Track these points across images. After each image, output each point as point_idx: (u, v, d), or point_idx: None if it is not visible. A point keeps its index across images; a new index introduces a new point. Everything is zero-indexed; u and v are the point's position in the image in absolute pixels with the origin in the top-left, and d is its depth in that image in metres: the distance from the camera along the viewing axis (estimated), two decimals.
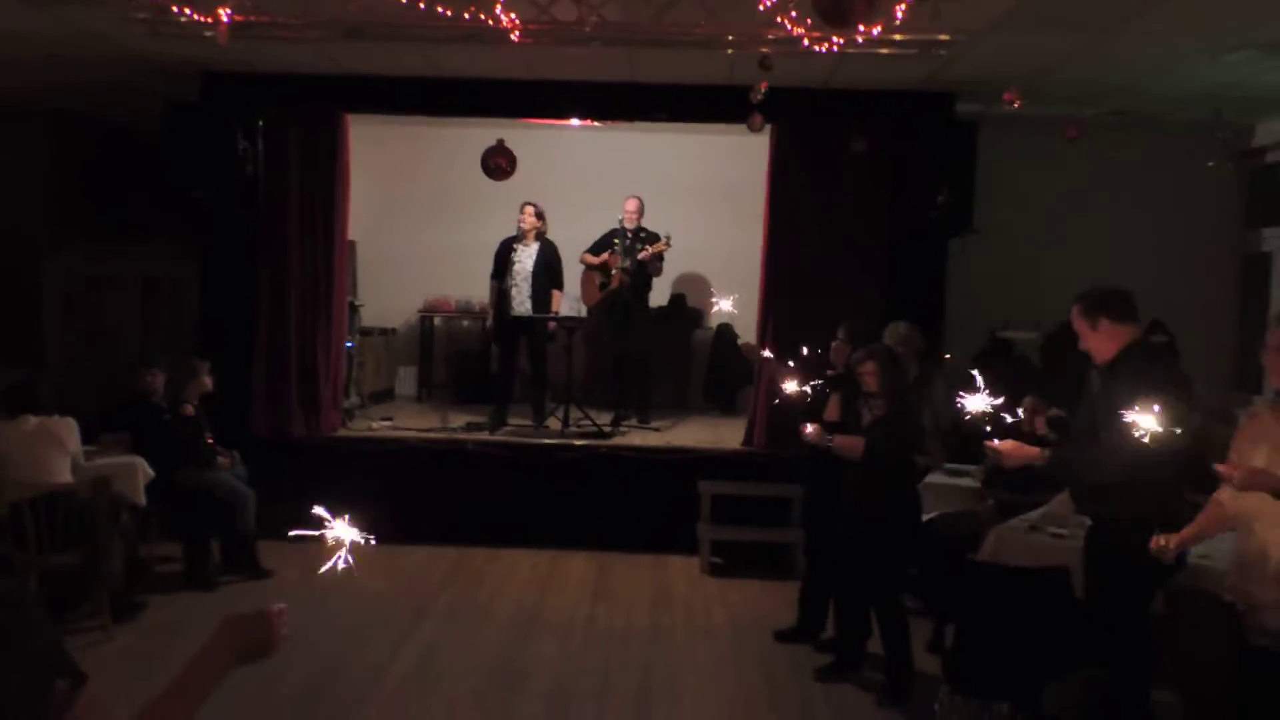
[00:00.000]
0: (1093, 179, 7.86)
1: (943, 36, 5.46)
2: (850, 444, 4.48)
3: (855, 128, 6.89)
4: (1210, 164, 7.37)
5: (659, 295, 8.33)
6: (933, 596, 5.10)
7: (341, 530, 2.13)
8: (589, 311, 7.63)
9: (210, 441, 5.87)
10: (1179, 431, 2.96)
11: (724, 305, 6.35)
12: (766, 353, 5.89)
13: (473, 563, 6.32)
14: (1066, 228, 7.74)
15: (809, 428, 4.61)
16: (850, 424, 4.62)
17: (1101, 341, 3.41)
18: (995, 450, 3.54)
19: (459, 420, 7.50)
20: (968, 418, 3.81)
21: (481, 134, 8.74)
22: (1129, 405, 3.04)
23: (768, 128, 6.71)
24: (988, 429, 3.77)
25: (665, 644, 5.07)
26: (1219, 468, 2.97)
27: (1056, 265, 7.21)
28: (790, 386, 4.85)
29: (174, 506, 5.72)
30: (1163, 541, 3.13)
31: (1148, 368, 3.32)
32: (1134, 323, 3.43)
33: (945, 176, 6.93)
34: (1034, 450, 3.54)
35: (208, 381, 5.90)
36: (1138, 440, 2.93)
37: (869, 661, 4.62)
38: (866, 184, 6.95)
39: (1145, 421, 2.90)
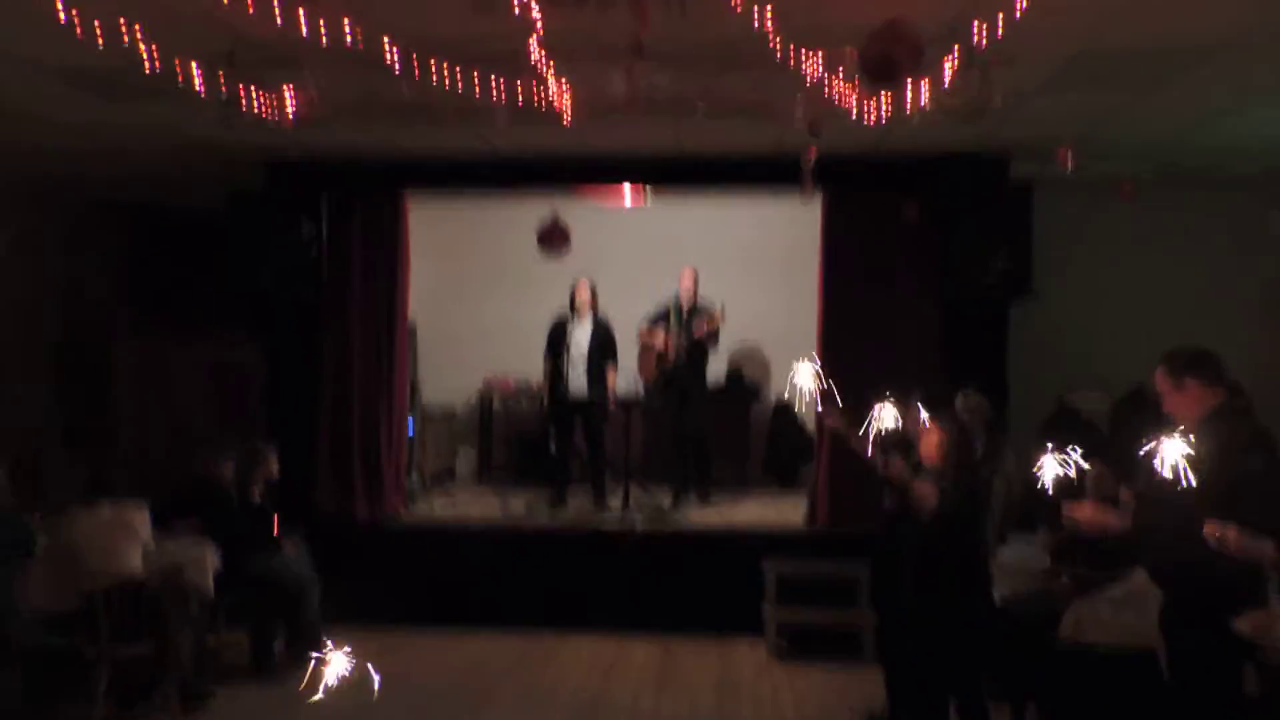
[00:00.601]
0: (1153, 238, 7.68)
1: (991, 99, 5.44)
2: (927, 491, 4.20)
3: (908, 193, 6.86)
4: (1271, 214, 7.20)
5: (716, 368, 8.27)
6: (1010, 680, 4.89)
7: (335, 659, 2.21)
8: (646, 389, 7.61)
9: (275, 530, 5.93)
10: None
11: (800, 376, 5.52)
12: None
13: (535, 649, 6.23)
14: (1128, 289, 7.56)
15: (893, 462, 4.41)
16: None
17: (1188, 404, 3.30)
18: (1073, 516, 3.41)
19: (519, 500, 7.48)
20: (1041, 485, 3.70)
21: (536, 210, 8.86)
22: (1215, 466, 2.97)
23: (819, 195, 6.71)
24: (1062, 497, 3.65)
25: None
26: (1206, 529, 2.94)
27: (1120, 327, 7.04)
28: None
29: (241, 595, 5.76)
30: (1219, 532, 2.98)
31: (1236, 428, 3.22)
32: (1221, 385, 3.32)
33: (1002, 240, 6.86)
34: (1113, 516, 3.41)
35: (274, 467, 5.98)
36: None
37: None
38: (921, 250, 6.89)
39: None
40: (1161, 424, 3.47)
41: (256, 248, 6.90)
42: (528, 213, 8.84)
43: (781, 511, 7.16)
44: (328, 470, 6.98)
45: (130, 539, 5.12)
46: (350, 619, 6.48)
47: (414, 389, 8.21)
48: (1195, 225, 7.64)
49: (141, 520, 5.18)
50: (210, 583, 5.43)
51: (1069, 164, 5.72)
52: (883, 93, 4.82)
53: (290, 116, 5.03)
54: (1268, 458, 3.21)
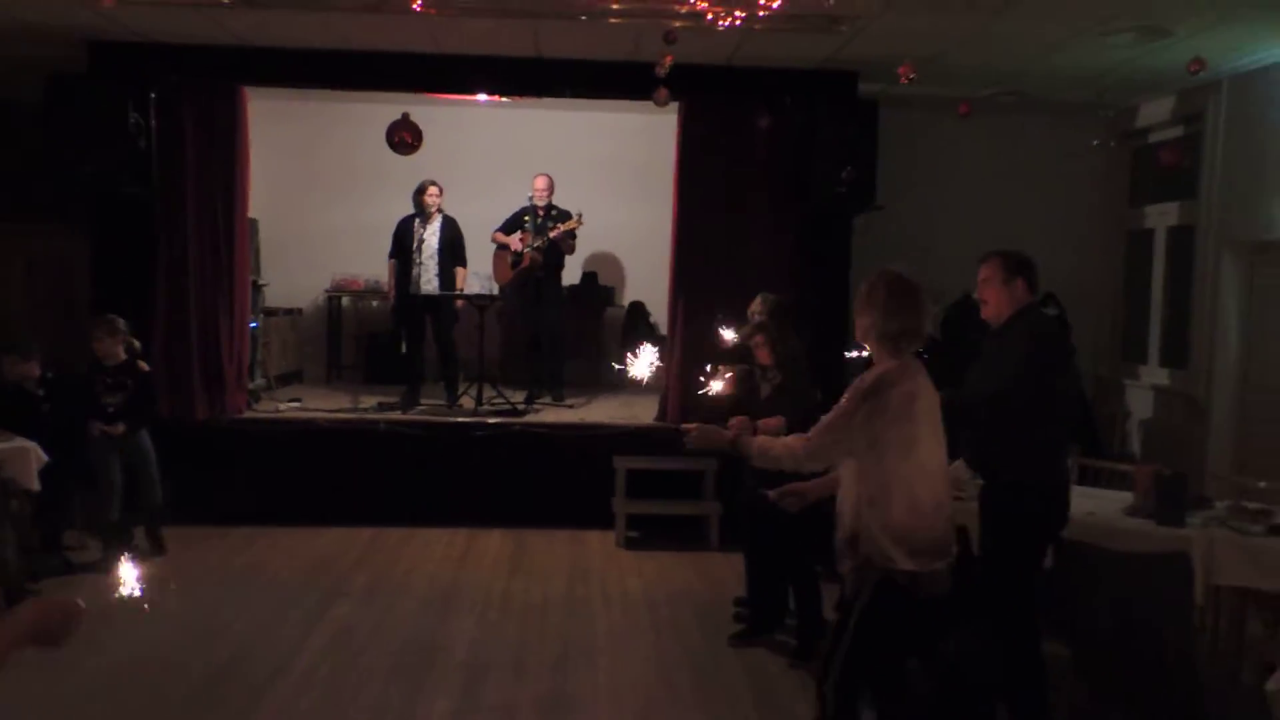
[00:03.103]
0: (988, 158, 8.12)
1: (840, 14, 5.60)
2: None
3: (761, 105, 7.00)
4: (1095, 143, 7.71)
5: (571, 274, 8.33)
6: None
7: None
8: (501, 290, 7.60)
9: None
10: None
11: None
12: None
13: (387, 543, 6.26)
14: (964, 205, 7.99)
15: (734, 421, 4.58)
16: (748, 400, 4.69)
17: (1006, 300, 3.60)
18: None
19: (369, 401, 7.39)
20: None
21: (386, 110, 8.60)
22: (1015, 355, 3.31)
23: (675, 104, 6.77)
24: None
25: (582, 615, 5.12)
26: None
27: (955, 241, 7.43)
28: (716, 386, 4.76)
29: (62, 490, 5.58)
30: (773, 495, 3.38)
31: (1040, 327, 3.59)
32: (1036, 293, 3.67)
33: (849, 154, 7.10)
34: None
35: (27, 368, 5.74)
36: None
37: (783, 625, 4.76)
38: (773, 161, 7.08)
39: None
40: (984, 328, 3.81)
41: (77, 135, 6.37)
42: (378, 112, 8.59)
43: (634, 412, 7.34)
44: (162, 369, 6.68)
45: None
46: (199, 518, 6.37)
47: (257, 289, 7.92)
48: (1030, 147, 8.10)
49: None
50: (33, 478, 5.19)
51: (907, 79, 5.95)
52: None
53: None
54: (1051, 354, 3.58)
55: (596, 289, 8.92)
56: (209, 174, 6.83)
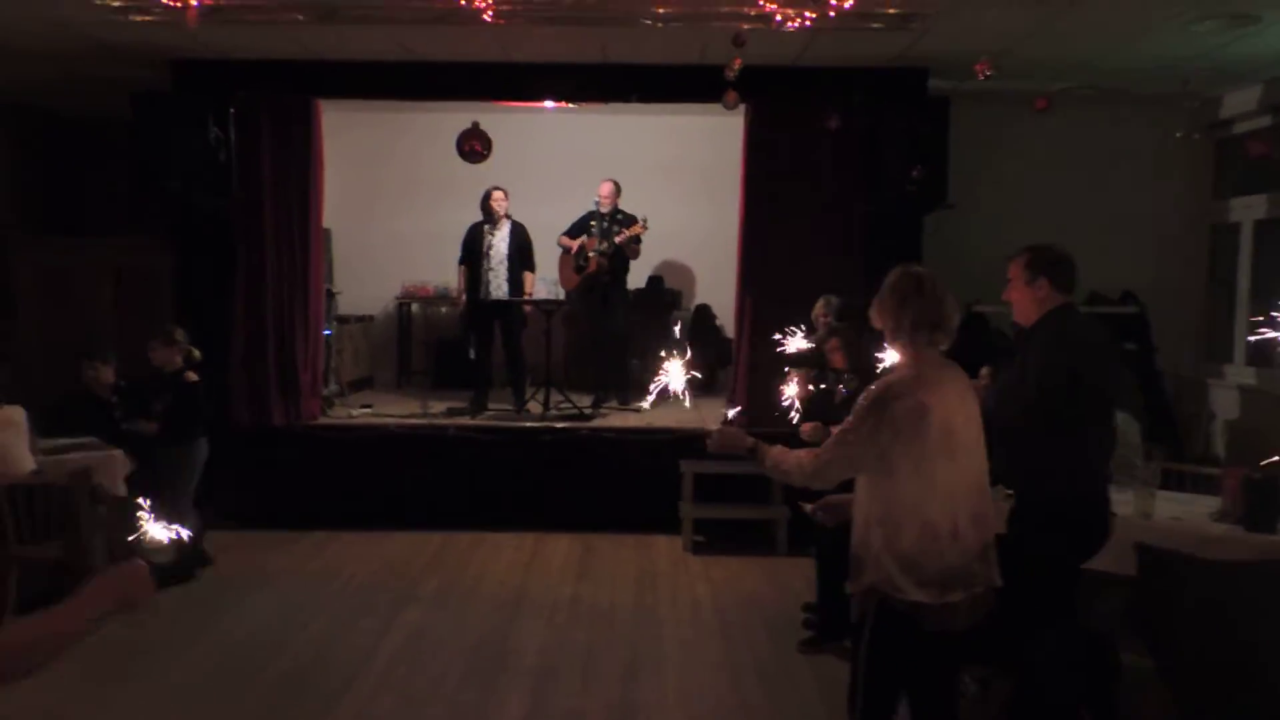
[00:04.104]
0: (1064, 154, 7.91)
1: (911, 10, 5.51)
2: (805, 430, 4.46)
3: (830, 105, 6.92)
4: (1178, 135, 7.45)
5: (637, 278, 8.34)
6: None
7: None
8: (567, 295, 7.64)
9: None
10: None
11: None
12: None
13: (457, 547, 6.33)
14: (1041, 202, 7.78)
15: (806, 426, 4.51)
16: (820, 403, 4.64)
17: (1030, 301, 3.36)
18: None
19: (439, 406, 7.49)
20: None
21: (454, 119, 8.73)
22: (1036, 364, 3.16)
23: (742, 107, 6.73)
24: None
25: (649, 621, 5.11)
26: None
27: (1031, 238, 7.24)
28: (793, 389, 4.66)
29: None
30: (809, 509, 3.27)
31: (1069, 331, 3.31)
32: (1068, 294, 3.39)
33: (919, 152, 6.98)
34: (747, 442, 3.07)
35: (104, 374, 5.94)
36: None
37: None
38: (842, 161, 6.99)
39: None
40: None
41: (163, 150, 6.62)
42: (447, 121, 8.73)
43: (701, 415, 7.31)
44: (242, 377, 6.88)
45: (16, 437, 5.00)
46: (275, 523, 6.54)
47: (330, 297, 8.10)
48: (1108, 140, 7.87)
49: (20, 418, 5.05)
50: (120, 483, 5.37)
51: (985, 75, 5.83)
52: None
53: (194, 11, 4.82)
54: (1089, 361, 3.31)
55: (663, 292, 8.92)
56: (285, 185, 7.01)
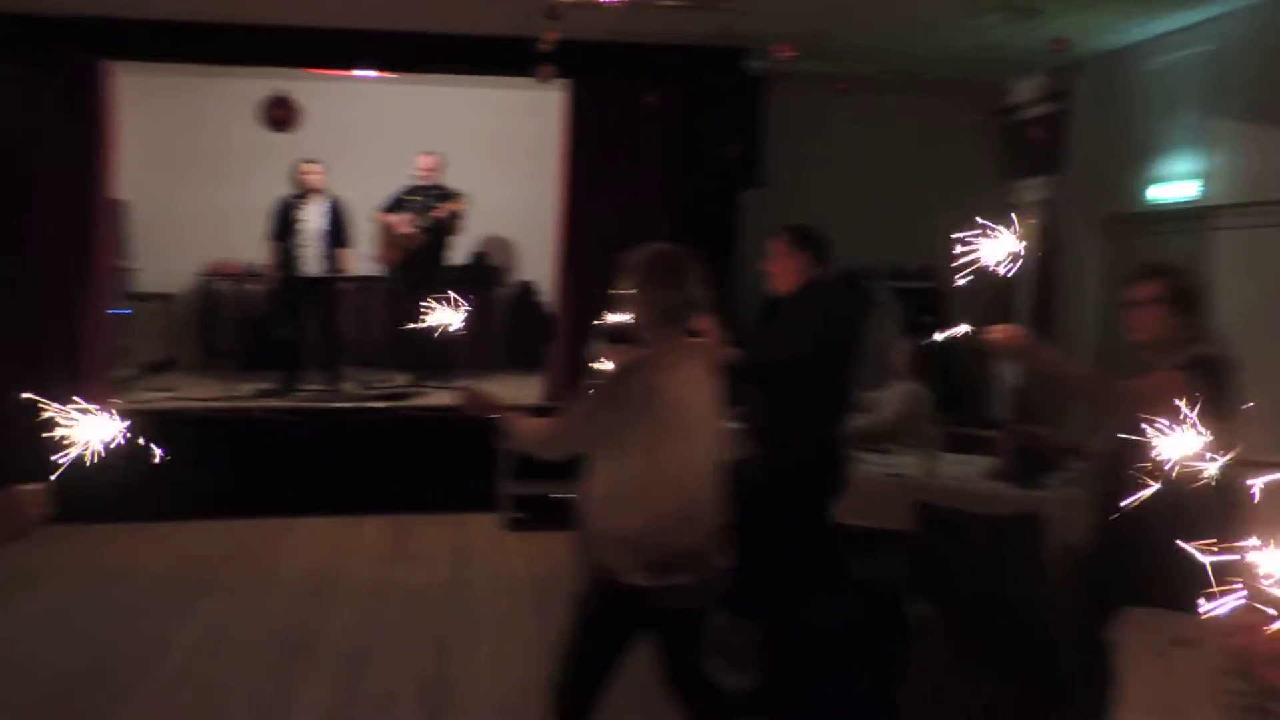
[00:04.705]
0: (875, 136, 8.24)
1: None
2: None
3: (649, 82, 6.99)
4: (972, 122, 7.94)
5: (459, 254, 8.20)
6: None
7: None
8: (385, 272, 7.44)
9: None
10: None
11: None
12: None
13: (263, 534, 6.07)
14: (851, 181, 8.10)
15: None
16: None
17: (793, 271, 3.68)
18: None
19: (247, 388, 7.16)
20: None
21: (263, 86, 8.33)
22: (802, 325, 3.42)
23: (563, 82, 6.71)
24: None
25: (464, 599, 5.07)
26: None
27: (841, 217, 7.55)
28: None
29: None
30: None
31: (827, 300, 3.71)
32: (823, 264, 3.75)
33: (737, 131, 7.16)
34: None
35: None
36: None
37: None
38: (661, 138, 7.08)
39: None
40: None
41: None
42: (257, 89, 8.31)
43: (522, 393, 7.28)
44: (16, 358, 6.34)
45: None
46: (57, 517, 6.07)
47: (124, 273, 7.59)
48: (911, 124, 8.27)
49: None
50: None
51: (785, 57, 6.01)
52: None
53: None
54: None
55: (485, 269, 8.81)
56: (69, 153, 6.49)
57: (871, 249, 7.70)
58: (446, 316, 3.20)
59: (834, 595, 3.15)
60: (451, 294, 3.17)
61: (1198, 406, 2.05)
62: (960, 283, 2.48)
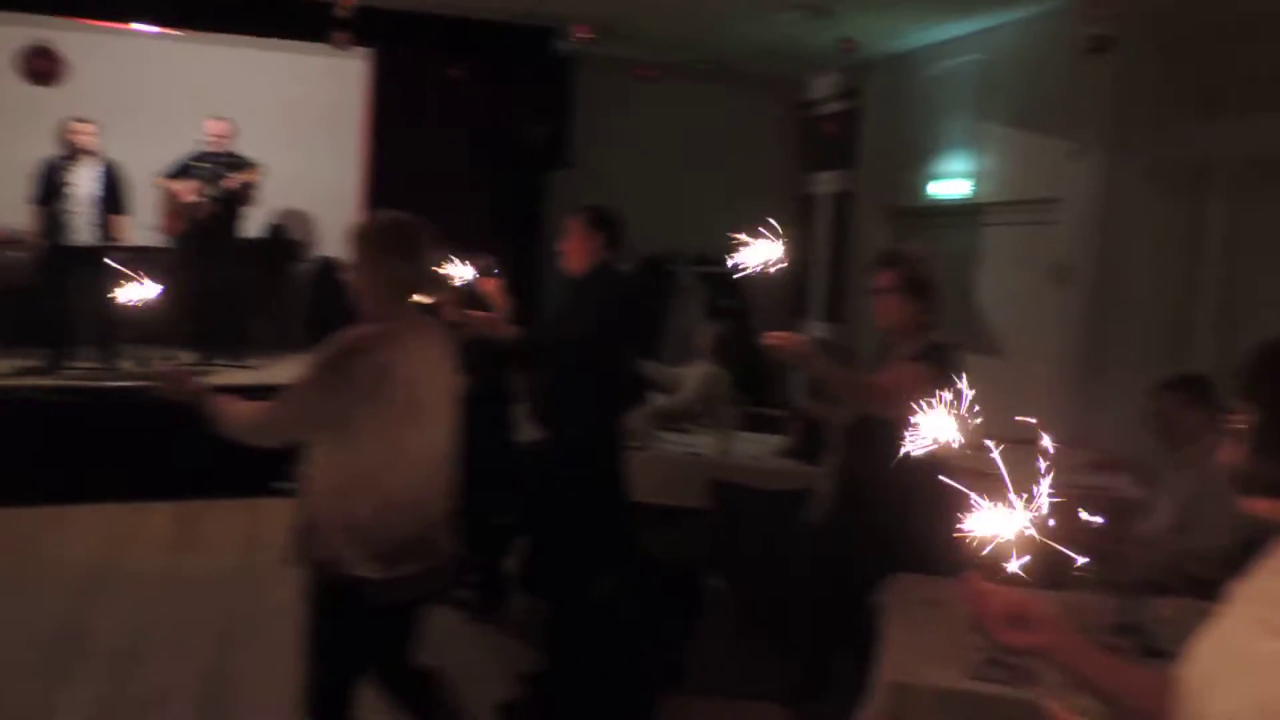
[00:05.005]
0: (681, 123, 8.42)
1: None
2: None
3: (456, 56, 6.87)
4: (774, 113, 8.27)
5: (254, 226, 7.79)
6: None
7: None
8: (169, 242, 6.96)
9: None
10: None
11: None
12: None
13: (35, 523, 5.58)
14: (658, 168, 8.26)
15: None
16: None
17: (586, 252, 3.71)
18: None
19: (7, 366, 6.54)
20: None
21: (20, 34, 7.59)
22: (591, 307, 3.46)
23: (365, 50, 6.49)
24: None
25: (252, 588, 4.84)
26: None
27: (648, 202, 7.70)
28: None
29: None
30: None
31: (617, 284, 3.77)
32: (616, 251, 3.78)
33: (545, 112, 7.15)
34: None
35: None
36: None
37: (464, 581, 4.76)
38: (469, 115, 7.00)
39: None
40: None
41: None
42: (16, 37, 7.55)
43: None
44: None
45: None
46: None
47: None
48: (716, 113, 8.50)
49: None
50: None
51: (584, 39, 6.05)
52: None
53: None
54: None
55: (282, 243, 8.41)
56: None
57: (677, 234, 7.89)
58: (137, 291, 3.03)
59: (625, 571, 3.23)
60: (132, 268, 3.01)
61: (937, 391, 2.25)
62: (739, 277, 2.59)
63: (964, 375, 2.70)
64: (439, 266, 2.62)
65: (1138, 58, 5.16)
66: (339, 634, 2.52)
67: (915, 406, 1.61)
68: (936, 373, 2.74)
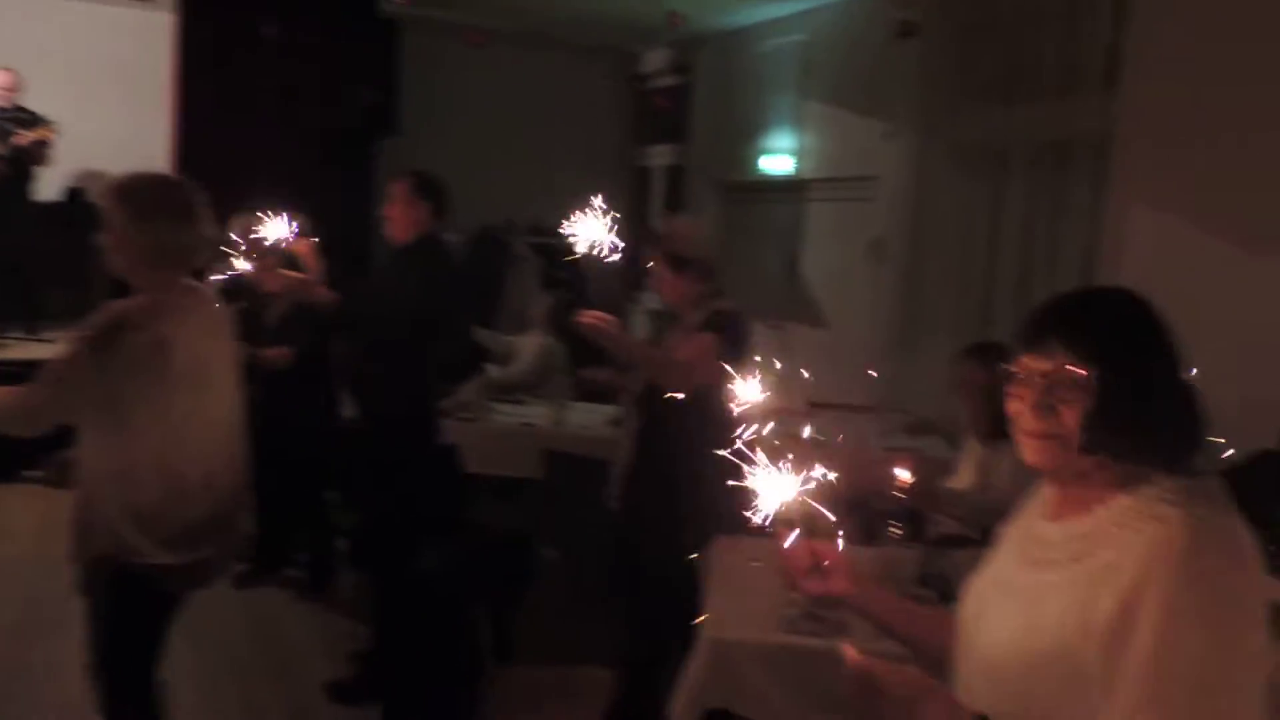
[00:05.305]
0: (517, 92, 8.29)
1: None
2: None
3: (274, 13, 6.54)
4: (606, 83, 8.28)
5: (49, 188, 7.19)
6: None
7: None
8: None
9: None
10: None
11: None
12: None
13: None
14: (493, 137, 8.12)
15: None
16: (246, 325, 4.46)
17: (411, 221, 3.59)
18: None
19: None
20: None
21: None
22: (416, 279, 3.41)
23: (168, 1, 6.08)
24: None
25: (50, 575, 4.50)
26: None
27: (482, 171, 7.56)
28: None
29: None
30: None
31: (443, 256, 3.70)
32: (442, 220, 3.68)
33: (369, 76, 6.90)
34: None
35: None
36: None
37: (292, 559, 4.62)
38: (291, 78, 6.69)
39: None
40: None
41: None
42: None
43: None
44: None
45: None
46: None
47: None
48: (552, 83, 8.41)
49: None
50: None
51: (406, 2, 5.88)
52: None
53: None
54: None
55: (82, 207, 7.78)
56: None
57: (512, 204, 7.80)
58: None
59: (454, 544, 3.20)
60: None
61: (730, 357, 2.34)
62: (571, 250, 2.59)
63: (750, 340, 2.84)
64: (226, 231, 2.47)
65: (941, 44, 5.46)
66: (131, 629, 2.36)
67: (717, 375, 1.65)
68: (726, 340, 2.85)
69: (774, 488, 1.35)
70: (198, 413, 2.33)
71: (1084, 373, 1.23)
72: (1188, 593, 1.15)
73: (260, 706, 3.57)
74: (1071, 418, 1.25)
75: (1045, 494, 1.40)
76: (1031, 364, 1.28)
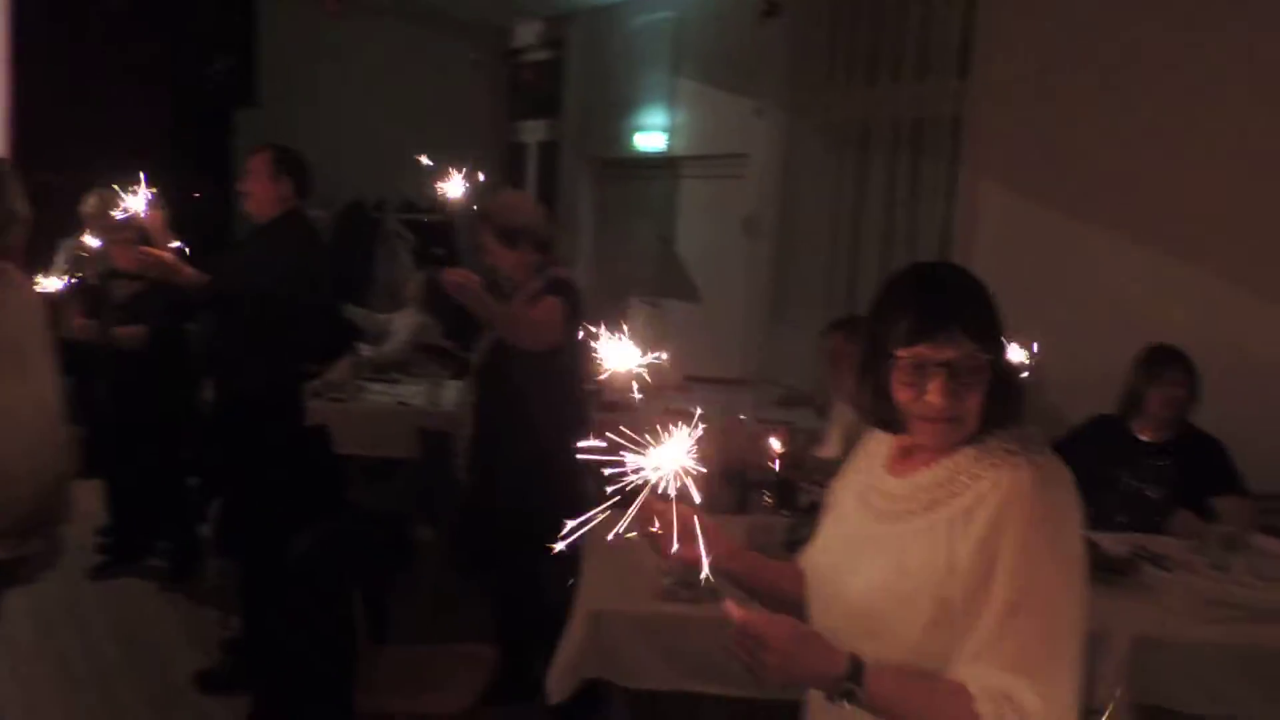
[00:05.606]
0: (384, 64, 8.02)
1: None
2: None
3: None
4: (472, 58, 8.12)
5: None
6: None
7: None
8: None
9: None
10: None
11: None
12: None
13: None
14: (360, 109, 7.87)
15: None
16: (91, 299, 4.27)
17: (273, 197, 3.46)
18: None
19: None
20: None
21: None
22: (280, 258, 3.35)
23: None
24: None
25: None
26: None
27: (350, 146, 7.32)
28: None
29: None
30: None
31: (308, 234, 3.62)
32: (304, 198, 3.57)
33: (224, 43, 6.61)
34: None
35: None
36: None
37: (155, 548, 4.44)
38: (136, 39, 6.32)
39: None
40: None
41: None
42: None
43: None
44: None
45: None
46: None
47: None
48: (419, 57, 8.19)
49: None
50: None
51: None
52: None
53: None
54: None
55: None
56: None
57: (383, 180, 7.60)
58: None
59: (325, 526, 3.12)
60: None
61: (570, 319, 2.39)
62: (445, 224, 2.59)
63: (585, 307, 2.95)
64: (78, 208, 2.31)
65: (808, 24, 5.58)
66: None
67: (563, 337, 1.65)
68: (568, 304, 2.98)
69: (642, 458, 1.37)
70: (19, 395, 2.17)
71: (988, 358, 1.35)
72: (1039, 530, 1.30)
73: (123, 704, 3.43)
74: (974, 400, 1.36)
75: (882, 451, 1.53)
76: (931, 353, 1.35)
